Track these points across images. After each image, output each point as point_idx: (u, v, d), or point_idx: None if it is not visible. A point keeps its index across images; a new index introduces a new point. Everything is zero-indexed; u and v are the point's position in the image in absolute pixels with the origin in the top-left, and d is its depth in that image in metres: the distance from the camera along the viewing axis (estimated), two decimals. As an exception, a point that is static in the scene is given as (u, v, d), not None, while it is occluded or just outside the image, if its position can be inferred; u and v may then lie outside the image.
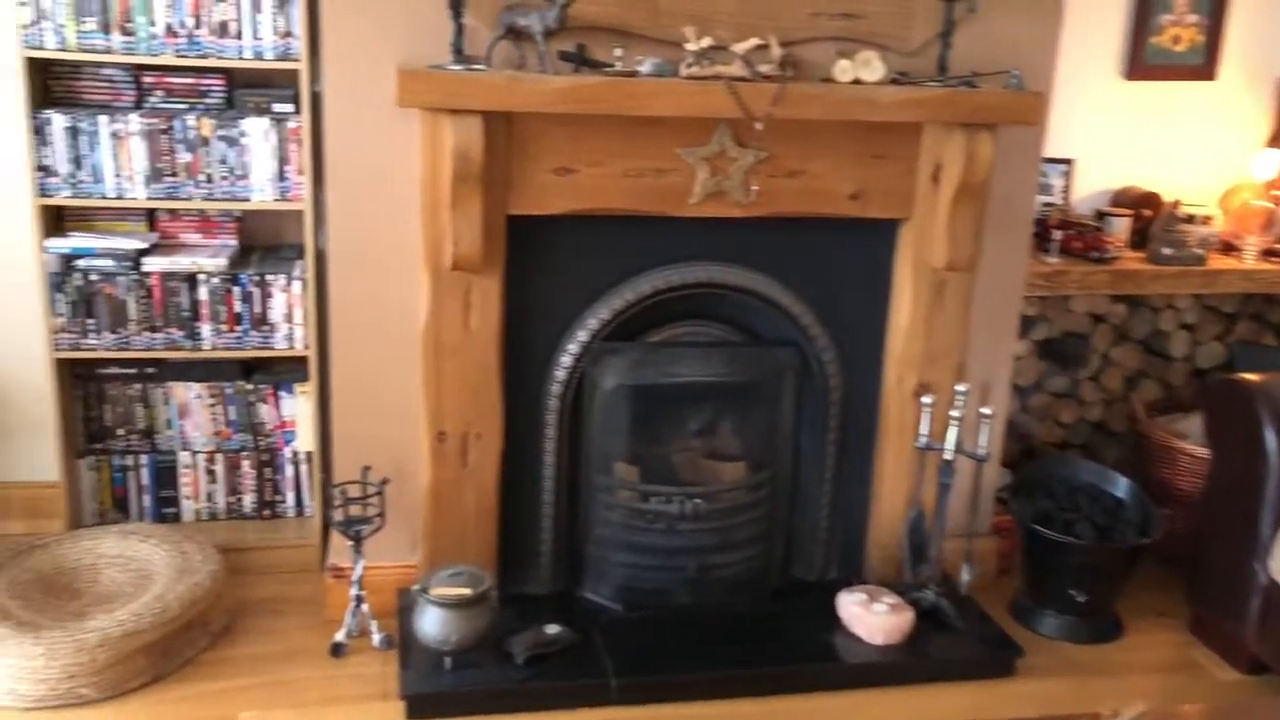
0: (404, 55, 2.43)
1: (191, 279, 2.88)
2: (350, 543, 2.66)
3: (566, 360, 2.71)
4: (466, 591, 2.50)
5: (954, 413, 2.76)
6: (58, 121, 2.74)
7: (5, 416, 3.04)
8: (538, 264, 2.65)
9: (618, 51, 2.49)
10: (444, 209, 2.47)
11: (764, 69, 2.50)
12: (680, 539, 2.80)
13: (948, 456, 2.79)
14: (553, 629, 2.61)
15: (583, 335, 2.70)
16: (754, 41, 2.50)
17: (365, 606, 2.70)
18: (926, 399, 2.80)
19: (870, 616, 2.71)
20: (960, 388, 2.77)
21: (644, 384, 2.78)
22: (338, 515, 2.66)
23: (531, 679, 2.51)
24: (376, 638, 2.70)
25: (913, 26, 2.66)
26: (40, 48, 2.69)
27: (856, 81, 2.56)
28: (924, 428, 2.81)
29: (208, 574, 2.69)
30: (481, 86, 2.34)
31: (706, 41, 2.47)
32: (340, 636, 2.69)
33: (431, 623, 2.48)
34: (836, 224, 2.75)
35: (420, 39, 2.45)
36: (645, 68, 2.47)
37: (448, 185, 2.43)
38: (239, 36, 2.75)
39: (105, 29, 2.70)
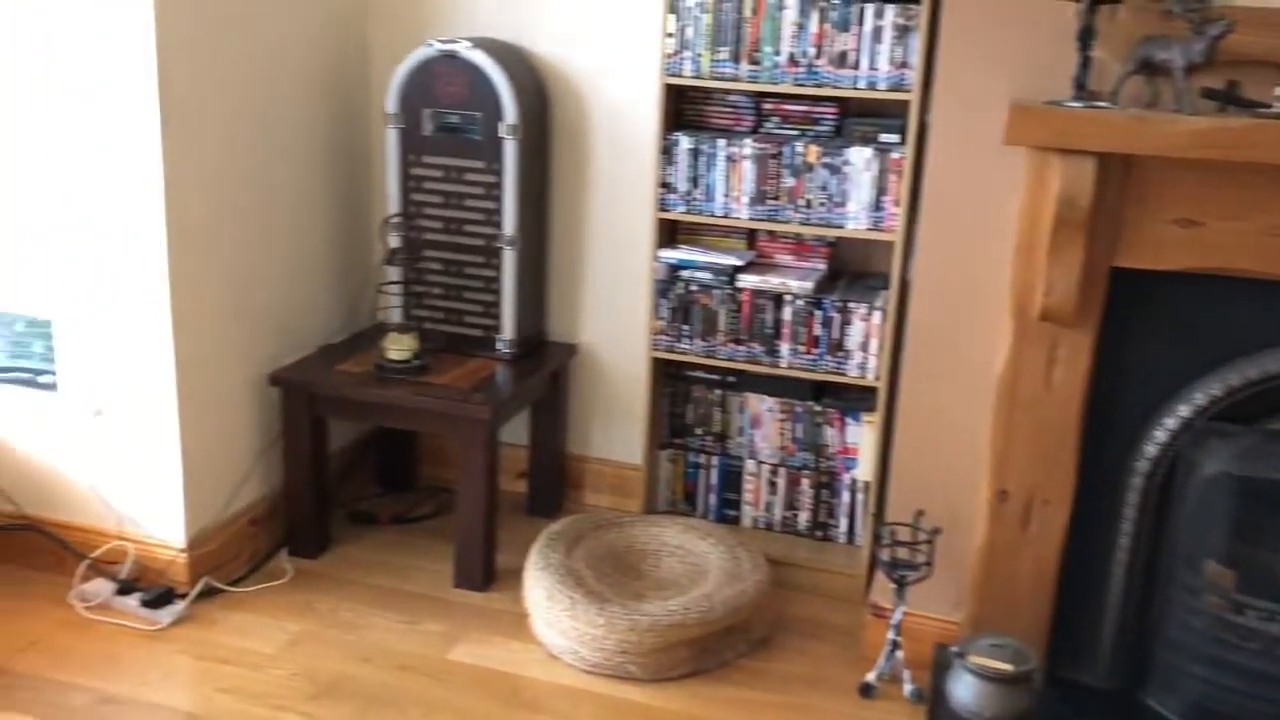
0: (1019, 89, 2.29)
1: (778, 298, 2.99)
2: (893, 585, 2.59)
3: (1161, 435, 2.39)
4: (1008, 667, 2.32)
5: None
6: (683, 143, 2.97)
7: (611, 401, 3.39)
8: (1140, 324, 2.36)
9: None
10: (1040, 254, 2.28)
11: None
12: (1279, 666, 2.35)
13: None
14: (1100, 731, 2.34)
15: (1185, 410, 2.36)
16: None
17: (900, 653, 2.62)
18: None
19: None
20: None
21: (1257, 477, 2.35)
22: (884, 555, 2.60)
23: (1068, 781, 2.27)
24: (908, 688, 2.61)
25: None
26: (678, 75, 2.94)
27: None
28: None
29: (754, 583, 2.77)
30: (1098, 126, 2.12)
31: (1404, 78, 2.02)
32: (871, 677, 2.63)
33: (966, 691, 2.33)
34: None
35: (1039, 73, 2.29)
36: (1313, 109, 2.09)
37: (1048, 230, 2.24)
38: (855, 66, 2.79)
39: (735, 58, 2.88)
